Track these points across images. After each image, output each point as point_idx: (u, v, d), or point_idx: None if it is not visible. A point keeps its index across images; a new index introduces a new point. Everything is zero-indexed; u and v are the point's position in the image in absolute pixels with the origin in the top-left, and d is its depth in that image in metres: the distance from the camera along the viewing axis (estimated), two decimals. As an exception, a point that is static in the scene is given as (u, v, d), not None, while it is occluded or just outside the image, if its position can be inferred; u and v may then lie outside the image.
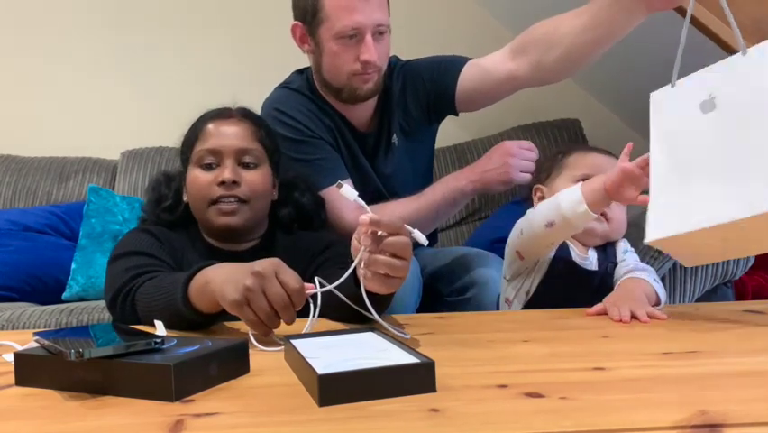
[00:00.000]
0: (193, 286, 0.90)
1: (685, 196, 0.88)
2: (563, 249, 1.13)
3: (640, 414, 0.52)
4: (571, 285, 1.11)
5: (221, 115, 1.21)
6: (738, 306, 1.10)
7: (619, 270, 1.14)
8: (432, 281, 1.40)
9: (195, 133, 1.19)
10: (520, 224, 1.12)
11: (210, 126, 1.18)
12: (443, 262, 1.42)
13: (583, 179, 1.13)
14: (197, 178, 1.16)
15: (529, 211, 1.13)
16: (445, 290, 1.36)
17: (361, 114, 1.47)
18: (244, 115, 1.23)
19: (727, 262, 1.52)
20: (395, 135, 1.49)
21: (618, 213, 1.16)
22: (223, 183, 1.13)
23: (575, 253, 1.14)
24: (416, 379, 0.60)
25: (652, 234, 0.90)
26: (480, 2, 2.48)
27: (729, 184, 0.84)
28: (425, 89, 1.48)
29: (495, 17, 2.47)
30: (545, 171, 1.23)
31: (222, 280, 0.84)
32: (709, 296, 1.55)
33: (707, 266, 1.52)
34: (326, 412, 0.55)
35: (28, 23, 2.46)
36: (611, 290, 1.11)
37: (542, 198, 1.20)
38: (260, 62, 2.47)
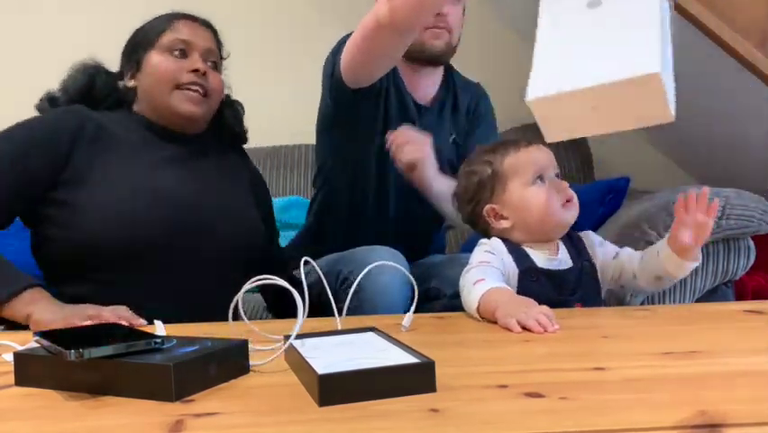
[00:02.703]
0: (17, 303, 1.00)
1: (566, 58, 0.88)
2: (525, 259, 1.09)
3: (640, 414, 0.52)
4: (548, 290, 1.07)
5: (192, 17, 1.29)
6: (738, 306, 1.10)
7: (629, 255, 1.13)
8: (437, 284, 1.40)
9: (164, 24, 1.24)
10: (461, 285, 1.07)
11: (182, 22, 1.25)
12: (449, 268, 1.43)
13: (539, 178, 1.11)
14: (164, 63, 1.20)
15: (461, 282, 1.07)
16: (448, 292, 1.37)
17: (425, 86, 1.53)
18: (209, 24, 1.31)
19: (728, 261, 1.52)
20: (453, 135, 1.57)
21: (575, 196, 1.14)
22: (195, 71, 1.20)
23: (541, 259, 1.10)
24: (416, 379, 0.60)
25: (533, 92, 0.87)
26: (498, 16, 2.48)
27: (606, 48, 0.85)
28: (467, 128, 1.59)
29: (507, 26, 2.48)
30: (487, 189, 1.15)
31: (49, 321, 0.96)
32: (709, 296, 1.55)
33: (707, 266, 1.52)
34: (326, 412, 0.55)
35: (28, 22, 2.46)
36: (591, 285, 1.12)
37: (499, 217, 1.14)
38: (260, 63, 2.47)
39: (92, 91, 1.25)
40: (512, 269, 1.08)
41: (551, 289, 1.08)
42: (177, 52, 1.21)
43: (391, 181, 1.51)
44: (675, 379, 0.63)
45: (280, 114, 2.36)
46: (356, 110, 1.45)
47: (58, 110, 1.20)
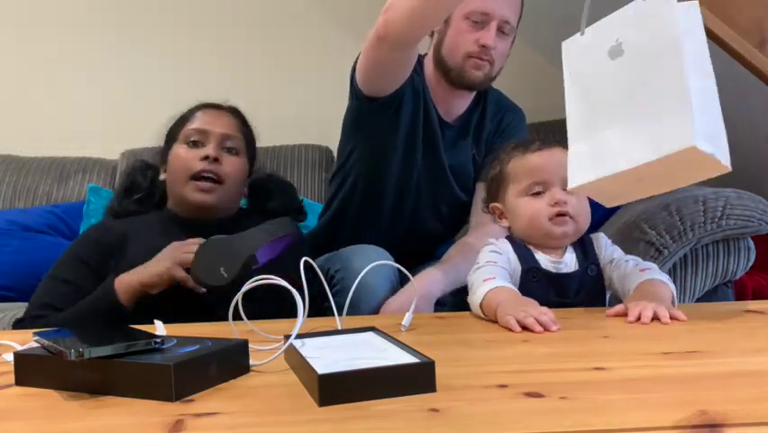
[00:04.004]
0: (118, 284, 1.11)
1: (600, 141, 0.90)
2: (530, 259, 1.11)
3: (640, 414, 0.52)
4: (548, 291, 1.08)
5: (213, 106, 1.33)
6: (738, 306, 1.10)
7: (618, 268, 1.11)
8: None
9: (185, 117, 1.31)
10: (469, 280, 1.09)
11: (200, 113, 1.31)
12: None
13: (534, 193, 1.11)
14: (181, 153, 1.25)
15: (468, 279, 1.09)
16: (448, 300, 1.37)
17: (454, 105, 1.54)
18: (232, 110, 1.35)
19: (728, 261, 1.53)
20: (474, 151, 1.57)
21: (582, 207, 1.12)
22: (206, 158, 1.23)
23: (545, 260, 1.11)
24: (416, 379, 0.60)
25: (573, 181, 0.92)
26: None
27: (639, 127, 0.87)
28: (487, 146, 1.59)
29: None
30: (495, 187, 1.21)
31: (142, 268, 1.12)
32: (709, 296, 1.55)
33: (707, 266, 1.52)
34: (326, 412, 0.55)
35: (28, 22, 2.46)
36: (594, 289, 1.11)
37: (502, 217, 1.19)
38: (260, 62, 2.47)
39: (133, 191, 1.33)
40: (516, 267, 1.10)
41: (551, 290, 1.09)
42: (192, 142, 1.26)
43: (411, 191, 1.53)
44: (675, 379, 0.63)
45: (280, 114, 2.36)
46: (375, 117, 1.45)
47: (94, 227, 1.33)
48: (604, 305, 1.13)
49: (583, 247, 1.14)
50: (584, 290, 1.10)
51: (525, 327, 0.88)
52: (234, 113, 1.34)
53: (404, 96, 1.43)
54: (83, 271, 1.22)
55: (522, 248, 1.12)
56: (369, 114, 1.44)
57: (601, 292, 1.13)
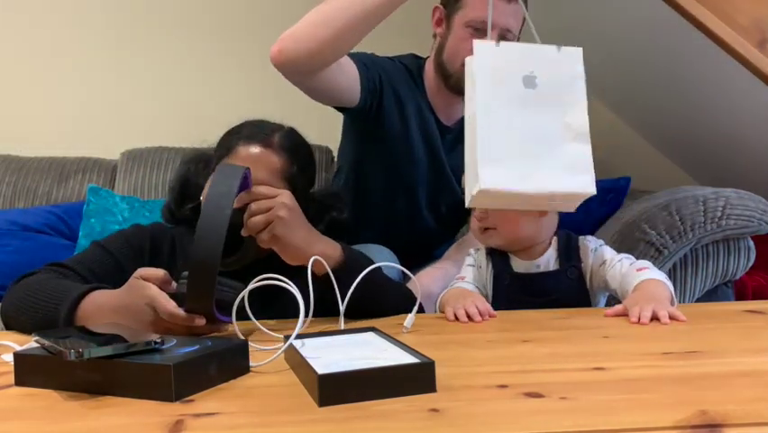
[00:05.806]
0: (82, 308, 0.89)
1: (515, 158, 0.98)
2: (501, 264, 1.15)
3: (640, 414, 0.52)
4: (514, 291, 1.13)
5: (260, 140, 1.10)
6: (738, 306, 1.10)
7: (613, 268, 1.10)
8: None
9: (227, 147, 1.10)
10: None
11: (243, 148, 1.08)
12: None
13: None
14: None
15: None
16: None
17: (454, 109, 1.54)
18: (283, 146, 1.11)
19: (728, 261, 1.52)
20: None
21: (505, 217, 1.12)
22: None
23: (519, 263, 1.15)
24: (416, 379, 0.60)
25: (486, 184, 0.96)
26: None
27: (552, 160, 1.00)
28: None
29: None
30: None
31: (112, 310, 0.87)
32: (709, 296, 1.55)
33: (707, 266, 1.52)
34: (326, 412, 0.55)
35: (28, 23, 2.46)
36: (573, 289, 1.12)
37: None
38: (260, 63, 2.46)
39: (187, 188, 1.18)
40: (490, 273, 1.17)
41: (520, 291, 1.13)
42: None
43: (412, 192, 1.53)
44: (675, 379, 0.63)
45: (280, 114, 2.36)
46: (355, 125, 1.47)
47: (151, 225, 1.18)
48: (588, 306, 1.14)
49: (567, 248, 1.15)
50: (560, 291, 1.12)
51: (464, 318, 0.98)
52: (282, 149, 1.10)
53: (383, 110, 1.44)
54: (125, 251, 1.08)
55: (498, 254, 1.17)
56: (347, 121, 1.46)
57: (582, 294, 1.14)
